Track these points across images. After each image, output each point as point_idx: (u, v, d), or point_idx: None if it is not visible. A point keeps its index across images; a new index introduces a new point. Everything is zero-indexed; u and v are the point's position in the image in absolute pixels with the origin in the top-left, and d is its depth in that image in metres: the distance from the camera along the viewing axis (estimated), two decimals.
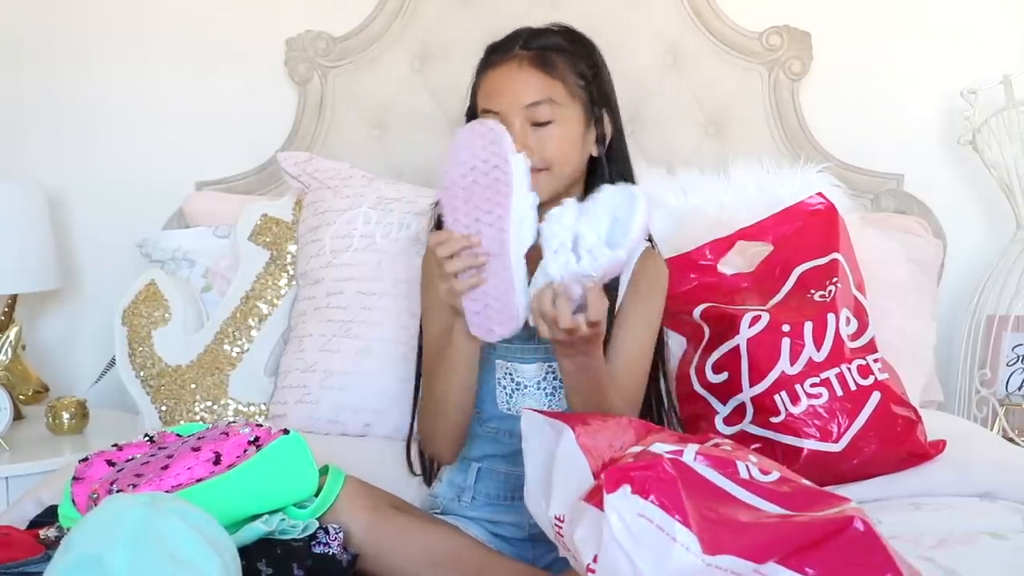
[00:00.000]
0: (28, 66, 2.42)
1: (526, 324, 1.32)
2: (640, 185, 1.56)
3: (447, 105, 2.33)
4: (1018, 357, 2.31)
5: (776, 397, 1.63)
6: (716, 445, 1.16)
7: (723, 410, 1.68)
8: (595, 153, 1.49)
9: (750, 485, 1.07)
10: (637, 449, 1.14)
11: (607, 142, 1.50)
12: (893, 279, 1.97)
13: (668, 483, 1.01)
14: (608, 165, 1.50)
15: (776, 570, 0.98)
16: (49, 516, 1.40)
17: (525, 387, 1.48)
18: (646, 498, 1.00)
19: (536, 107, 1.42)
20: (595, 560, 1.01)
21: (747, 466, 1.10)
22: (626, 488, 1.00)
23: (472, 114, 1.50)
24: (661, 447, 1.11)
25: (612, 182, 1.46)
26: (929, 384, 2.10)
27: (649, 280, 1.49)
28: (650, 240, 1.53)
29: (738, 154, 2.11)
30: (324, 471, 1.36)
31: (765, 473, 1.10)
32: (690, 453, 1.09)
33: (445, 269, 1.30)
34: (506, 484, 1.49)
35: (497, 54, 1.47)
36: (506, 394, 1.49)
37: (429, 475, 1.61)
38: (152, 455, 1.36)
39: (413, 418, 1.58)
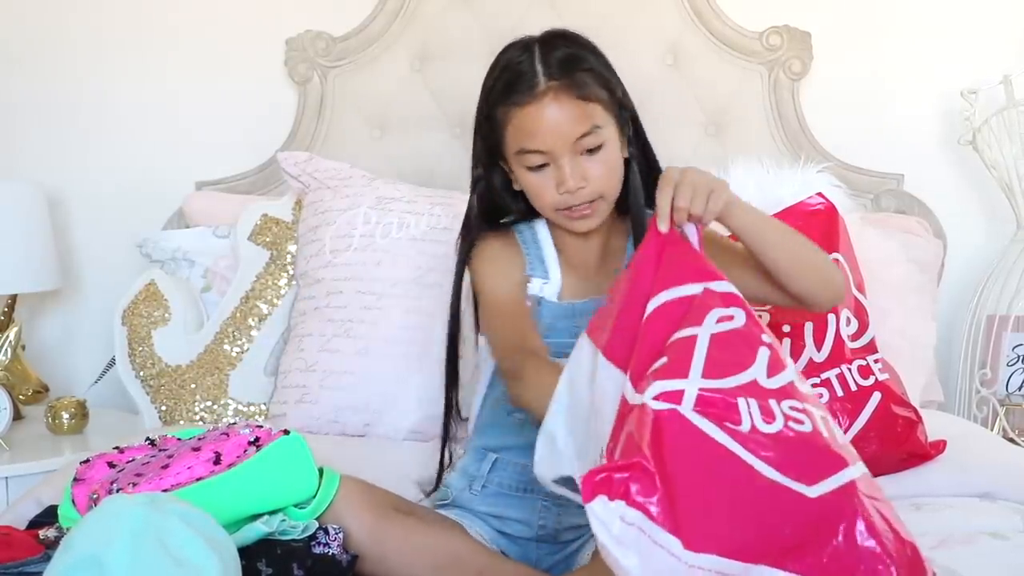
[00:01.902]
0: (28, 66, 2.42)
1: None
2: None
3: (447, 105, 2.33)
4: (1018, 357, 2.31)
5: None
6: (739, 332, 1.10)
7: None
8: (626, 155, 1.47)
9: (749, 440, 1.02)
10: (661, 362, 1.08)
11: (629, 147, 1.48)
12: (893, 279, 1.97)
13: (646, 483, 0.98)
14: (637, 163, 1.48)
15: (764, 571, 0.97)
16: (49, 516, 1.40)
17: None
18: (627, 502, 0.98)
19: (584, 138, 1.39)
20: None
21: (749, 409, 1.04)
22: (602, 497, 0.98)
23: (491, 142, 1.46)
24: (662, 385, 1.05)
25: (644, 182, 1.48)
26: (929, 384, 2.10)
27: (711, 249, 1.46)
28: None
29: (738, 154, 2.11)
30: (321, 472, 1.36)
31: (768, 420, 1.04)
32: (690, 399, 1.04)
33: None
34: (522, 476, 1.46)
35: (523, 90, 1.40)
36: None
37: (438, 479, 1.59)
38: (152, 456, 1.36)
39: (448, 425, 1.57)
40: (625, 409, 1.07)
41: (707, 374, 1.05)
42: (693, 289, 1.13)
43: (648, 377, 1.06)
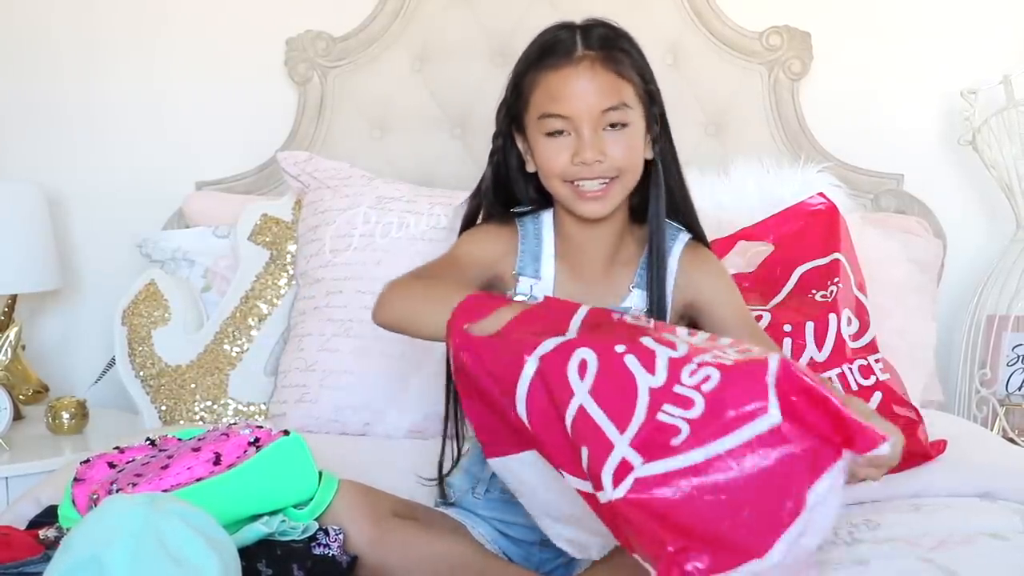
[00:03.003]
0: (28, 66, 2.42)
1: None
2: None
3: (447, 105, 2.34)
4: (1018, 357, 2.31)
5: None
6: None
7: None
8: (649, 156, 1.44)
9: (700, 434, 1.01)
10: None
11: (656, 146, 1.45)
12: (893, 279, 1.97)
13: (694, 553, 0.97)
14: (662, 171, 1.45)
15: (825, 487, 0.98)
16: (48, 516, 1.40)
17: None
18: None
19: (610, 112, 1.37)
20: None
21: (673, 414, 1.01)
22: None
23: (512, 113, 1.45)
24: (608, 472, 1.01)
25: (658, 189, 1.44)
26: (929, 384, 2.09)
27: (703, 274, 1.45)
28: (692, 232, 1.49)
29: (738, 154, 2.11)
30: (320, 477, 1.36)
31: (690, 407, 1.01)
32: (635, 457, 1.01)
33: None
34: None
35: (558, 55, 1.39)
36: None
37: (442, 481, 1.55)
38: (152, 456, 1.36)
39: (446, 431, 1.52)
40: (598, 506, 1.04)
41: (619, 426, 1.02)
42: (530, 367, 1.08)
43: (591, 475, 1.03)
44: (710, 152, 2.29)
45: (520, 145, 1.47)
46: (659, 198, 1.44)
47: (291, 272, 2.04)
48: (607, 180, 1.39)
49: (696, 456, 1.00)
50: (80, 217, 2.46)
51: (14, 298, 2.28)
